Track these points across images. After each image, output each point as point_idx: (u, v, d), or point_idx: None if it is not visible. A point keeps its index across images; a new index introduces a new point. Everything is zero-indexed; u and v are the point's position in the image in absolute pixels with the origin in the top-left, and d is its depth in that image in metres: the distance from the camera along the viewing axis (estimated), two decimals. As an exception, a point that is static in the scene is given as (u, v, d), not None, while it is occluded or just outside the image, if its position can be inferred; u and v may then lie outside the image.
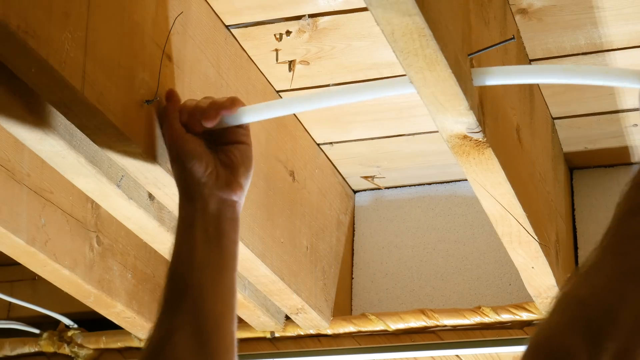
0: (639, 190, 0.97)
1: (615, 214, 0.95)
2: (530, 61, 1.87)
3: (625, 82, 1.26)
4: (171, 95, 1.42)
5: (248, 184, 1.40)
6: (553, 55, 1.86)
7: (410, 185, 2.35)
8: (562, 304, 0.89)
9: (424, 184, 2.34)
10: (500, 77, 1.38)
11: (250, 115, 1.44)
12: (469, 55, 1.40)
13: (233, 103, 1.38)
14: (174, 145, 1.38)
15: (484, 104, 1.48)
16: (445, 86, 1.33)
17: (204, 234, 1.33)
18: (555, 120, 2.09)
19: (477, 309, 2.13)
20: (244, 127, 1.42)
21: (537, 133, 1.91)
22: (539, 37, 1.82)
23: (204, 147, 1.38)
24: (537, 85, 1.96)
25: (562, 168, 2.17)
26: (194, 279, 1.31)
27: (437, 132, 1.53)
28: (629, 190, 0.97)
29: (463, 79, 1.35)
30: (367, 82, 1.41)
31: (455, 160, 1.53)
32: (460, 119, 1.42)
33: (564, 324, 0.87)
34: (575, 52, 1.84)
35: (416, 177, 2.32)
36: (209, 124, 1.37)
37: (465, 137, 1.47)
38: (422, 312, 2.16)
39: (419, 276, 2.29)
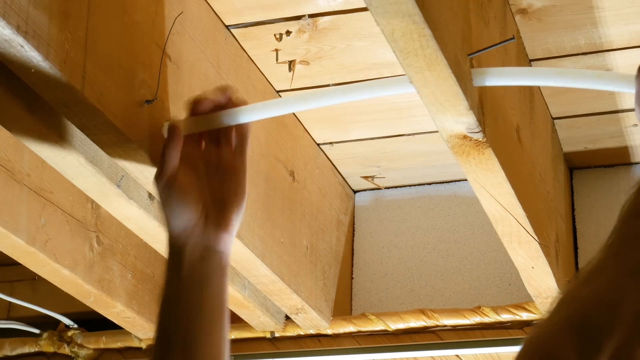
0: None
1: (620, 216, 0.95)
2: (530, 61, 1.87)
3: (622, 87, 1.26)
4: (173, 131, 1.38)
5: (240, 219, 1.37)
6: (553, 56, 1.86)
7: (410, 185, 2.35)
8: (561, 304, 0.89)
9: (424, 184, 2.34)
10: (500, 78, 1.38)
11: (249, 114, 1.44)
12: (469, 55, 1.40)
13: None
14: (168, 186, 1.34)
15: (483, 104, 1.48)
16: (445, 86, 1.33)
17: (190, 284, 1.31)
18: (555, 120, 2.09)
19: (477, 309, 2.13)
20: (242, 154, 1.40)
21: (537, 133, 1.91)
22: (539, 37, 1.82)
23: (197, 188, 1.35)
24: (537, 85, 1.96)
25: (562, 168, 2.17)
26: (182, 327, 1.30)
27: (437, 132, 1.53)
28: (634, 192, 0.97)
29: (463, 79, 1.35)
30: (366, 81, 1.41)
31: (455, 160, 1.53)
32: (460, 119, 1.42)
33: (559, 322, 0.87)
34: (575, 52, 1.84)
35: (416, 177, 2.32)
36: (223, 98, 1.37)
37: (465, 137, 1.47)
38: (422, 312, 2.16)
39: (419, 276, 2.29)
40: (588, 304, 0.86)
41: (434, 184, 2.34)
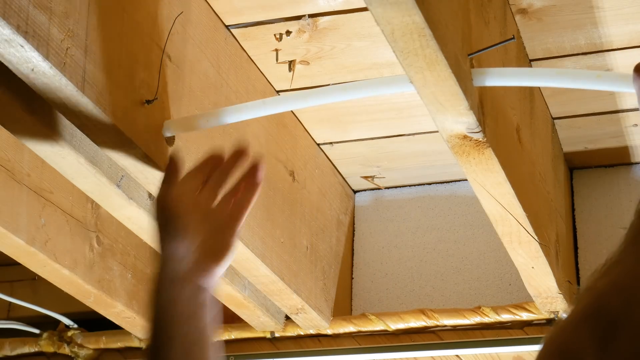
0: None
1: (636, 210, 0.95)
2: (530, 61, 1.87)
3: (622, 87, 1.26)
4: (174, 163, 1.39)
5: (222, 272, 1.37)
6: (553, 55, 1.86)
7: (410, 185, 2.35)
8: (579, 299, 0.88)
9: (424, 184, 2.34)
10: (500, 78, 1.38)
11: (248, 112, 1.44)
12: (469, 55, 1.40)
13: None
14: (165, 217, 1.35)
15: (484, 104, 1.48)
16: (445, 86, 1.33)
17: (173, 318, 1.32)
18: (555, 120, 2.09)
19: (477, 309, 2.13)
20: (245, 208, 1.41)
21: (537, 133, 1.91)
22: (539, 37, 1.82)
23: (196, 224, 1.36)
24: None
25: (562, 168, 2.17)
26: (172, 355, 1.31)
27: (437, 132, 1.53)
28: None
29: (463, 79, 1.35)
30: (366, 80, 1.41)
31: (455, 160, 1.53)
32: (460, 119, 1.42)
33: (577, 313, 0.86)
34: (575, 52, 1.85)
35: (416, 177, 2.32)
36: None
37: (465, 137, 1.47)
38: (422, 312, 2.16)
39: (419, 276, 2.29)
40: (603, 292, 0.86)
41: (434, 184, 2.34)
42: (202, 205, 1.37)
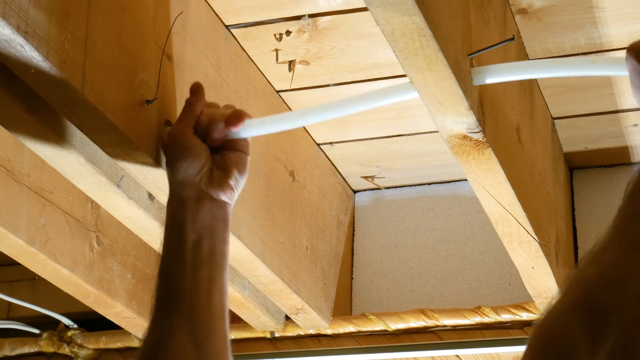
0: None
1: (624, 196, 0.96)
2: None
3: (616, 71, 1.26)
4: (197, 90, 1.42)
5: (240, 187, 1.40)
6: (553, 55, 1.86)
7: (410, 185, 2.35)
8: (568, 287, 0.88)
9: (424, 184, 2.34)
10: (499, 74, 1.37)
11: (259, 128, 1.45)
12: (469, 55, 1.40)
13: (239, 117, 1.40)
14: (177, 141, 1.38)
15: (483, 103, 1.48)
16: (445, 86, 1.33)
17: (195, 235, 1.33)
18: (555, 120, 2.09)
19: (477, 309, 2.13)
20: (245, 139, 1.43)
21: (537, 133, 1.91)
22: (539, 37, 1.82)
23: (204, 145, 1.38)
24: (537, 85, 1.96)
25: (562, 168, 2.17)
26: (187, 281, 1.31)
27: (437, 132, 1.53)
28: (637, 171, 0.98)
29: (463, 79, 1.35)
30: (373, 90, 1.41)
31: (455, 160, 1.53)
32: (460, 119, 1.42)
33: (567, 304, 0.86)
34: (575, 52, 1.85)
35: (416, 177, 2.32)
36: (234, 128, 1.38)
37: (465, 137, 1.47)
38: (422, 312, 2.16)
39: (419, 276, 2.29)
40: (593, 283, 0.86)
41: (434, 184, 2.34)
42: (204, 130, 1.40)
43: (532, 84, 1.91)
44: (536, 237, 1.75)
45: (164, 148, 1.41)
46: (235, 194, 1.39)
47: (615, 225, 0.92)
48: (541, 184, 1.88)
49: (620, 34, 1.80)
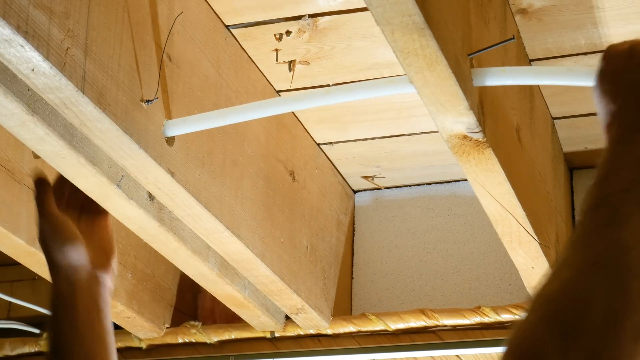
0: (601, 183, 0.99)
1: (581, 210, 0.97)
2: (530, 61, 1.87)
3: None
4: (41, 181, 1.41)
5: (116, 266, 1.41)
6: (553, 55, 1.86)
7: (410, 185, 2.35)
8: (536, 302, 0.90)
9: (424, 184, 2.34)
10: (500, 77, 1.38)
11: (247, 113, 1.45)
12: (469, 55, 1.40)
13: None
14: (53, 229, 1.37)
15: (484, 104, 1.48)
16: (445, 86, 1.33)
17: (86, 315, 1.35)
18: (555, 120, 2.09)
19: (477, 309, 2.13)
20: (104, 219, 1.43)
21: (537, 133, 1.91)
22: (539, 37, 1.82)
23: (78, 230, 1.39)
24: (537, 85, 1.96)
25: (562, 168, 2.17)
26: (75, 351, 1.33)
27: (437, 132, 1.54)
28: (592, 186, 0.99)
29: (463, 79, 1.35)
30: (366, 81, 1.41)
31: (455, 160, 1.53)
32: (460, 119, 1.42)
33: (536, 322, 0.88)
34: (575, 52, 1.85)
35: (416, 177, 2.32)
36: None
37: (465, 137, 1.47)
38: (422, 312, 2.16)
39: (419, 276, 2.29)
40: (560, 300, 0.88)
41: (434, 184, 2.34)
42: (72, 215, 1.40)
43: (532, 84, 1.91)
44: (536, 237, 1.75)
45: (44, 232, 1.38)
46: (114, 272, 1.41)
47: (576, 240, 0.94)
48: (541, 184, 1.88)
49: (620, 34, 1.79)
